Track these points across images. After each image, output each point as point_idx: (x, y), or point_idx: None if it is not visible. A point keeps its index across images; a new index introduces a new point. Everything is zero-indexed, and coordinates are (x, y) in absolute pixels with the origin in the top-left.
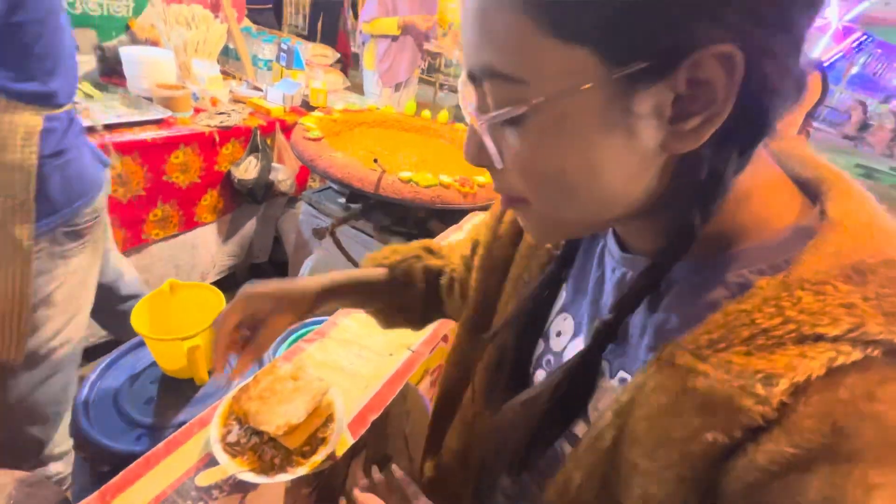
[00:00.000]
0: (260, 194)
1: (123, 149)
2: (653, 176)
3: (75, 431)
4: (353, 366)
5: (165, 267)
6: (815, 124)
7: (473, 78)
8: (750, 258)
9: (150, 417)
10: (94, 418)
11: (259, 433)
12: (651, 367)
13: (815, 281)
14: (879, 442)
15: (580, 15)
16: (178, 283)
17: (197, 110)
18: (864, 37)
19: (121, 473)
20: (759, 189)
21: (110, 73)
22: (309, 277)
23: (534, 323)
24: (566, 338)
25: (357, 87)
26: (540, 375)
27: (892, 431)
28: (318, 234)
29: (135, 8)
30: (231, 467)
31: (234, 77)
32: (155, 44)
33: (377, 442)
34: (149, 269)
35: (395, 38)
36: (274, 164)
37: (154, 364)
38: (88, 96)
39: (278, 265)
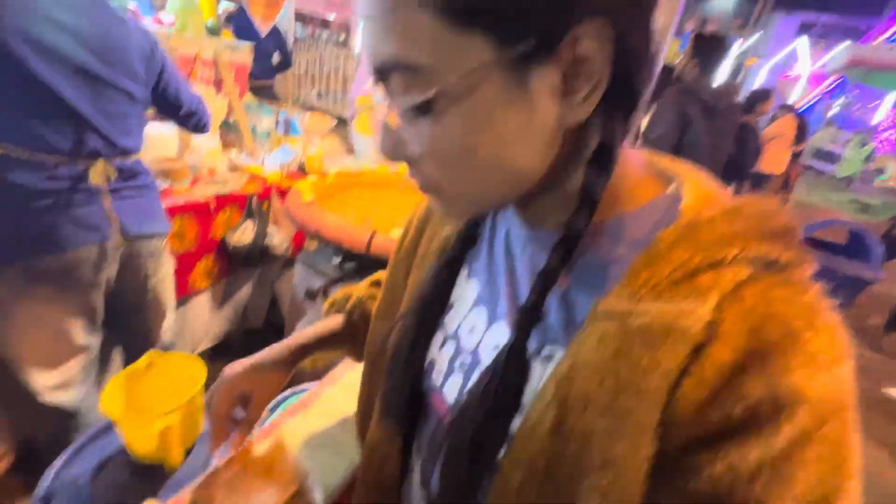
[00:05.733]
0: (255, 259)
1: None
2: (554, 148)
3: None
4: (337, 440)
5: None
6: (809, 163)
7: (380, 73)
8: (639, 220)
9: None
10: None
11: None
12: (586, 328)
13: (706, 221)
14: (784, 333)
15: (471, 3)
16: (158, 356)
17: (195, 180)
18: (840, 79)
19: None
20: (630, 167)
21: None
22: (278, 344)
23: (428, 319)
24: (480, 331)
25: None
26: (455, 381)
27: (787, 324)
28: (311, 294)
29: None
30: None
31: (233, 147)
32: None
33: None
34: None
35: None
36: (270, 229)
37: (125, 449)
38: None
39: (275, 328)
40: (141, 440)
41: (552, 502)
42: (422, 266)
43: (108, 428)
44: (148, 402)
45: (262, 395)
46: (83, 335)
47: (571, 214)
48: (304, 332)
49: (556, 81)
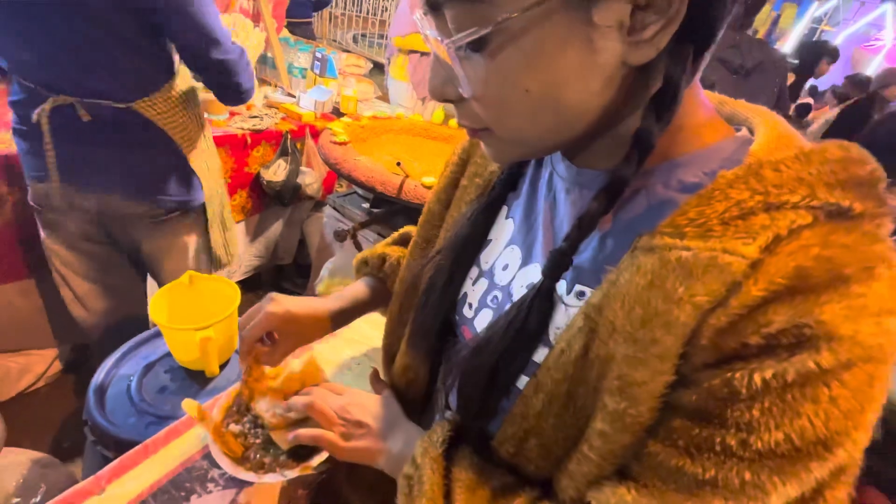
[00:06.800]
0: (287, 197)
1: None
2: (612, 89)
3: (88, 415)
4: (361, 366)
5: None
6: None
7: (434, 6)
8: (698, 164)
9: (161, 406)
10: (107, 404)
11: (261, 426)
12: (625, 260)
13: (773, 162)
14: (831, 276)
15: None
16: (197, 275)
17: (232, 114)
18: None
19: (118, 459)
20: (695, 109)
21: None
22: (321, 300)
23: (464, 256)
24: (513, 269)
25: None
26: (486, 315)
27: (838, 268)
28: (340, 236)
29: None
30: (222, 461)
31: (269, 84)
32: None
33: None
34: None
35: (424, 54)
36: (302, 168)
37: (169, 355)
38: None
39: (302, 267)
40: (183, 348)
41: (569, 423)
42: (462, 200)
43: (154, 336)
44: (189, 315)
45: (289, 342)
46: (80, 260)
47: (621, 159)
48: (343, 297)
49: (624, 17)
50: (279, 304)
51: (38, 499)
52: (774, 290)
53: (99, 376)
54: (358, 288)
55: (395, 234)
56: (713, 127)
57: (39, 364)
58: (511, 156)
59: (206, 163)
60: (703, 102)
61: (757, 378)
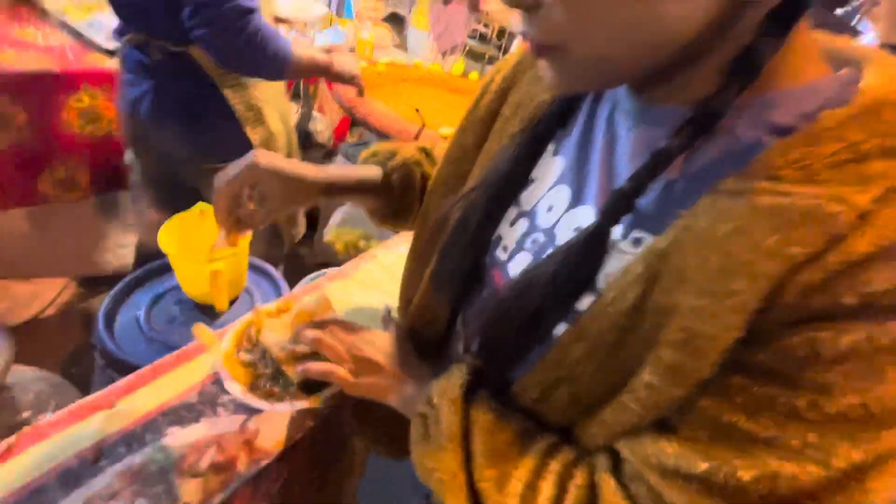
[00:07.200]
0: (298, 142)
1: None
2: (719, 5)
3: (97, 340)
4: (372, 309)
5: None
6: None
7: None
8: (794, 101)
9: (170, 336)
10: (116, 330)
11: (271, 357)
12: (702, 204)
13: (894, 101)
14: None
15: None
16: (209, 208)
17: None
18: None
19: (128, 377)
20: (795, 39)
21: None
22: (314, 167)
23: (503, 194)
24: (559, 210)
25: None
26: (523, 258)
27: None
28: None
29: None
30: (233, 387)
31: (283, 23)
32: None
33: None
34: None
35: (446, 1)
36: (314, 114)
37: (178, 287)
38: None
39: (310, 217)
40: (193, 281)
41: (609, 373)
42: (502, 134)
43: (162, 267)
44: (200, 247)
45: (274, 203)
46: (151, 192)
47: (718, 88)
48: (339, 170)
49: None
50: (266, 156)
51: (49, 414)
52: (882, 245)
53: (108, 304)
54: (365, 169)
55: (413, 142)
56: (813, 63)
57: (49, 291)
58: (580, 82)
59: (263, 134)
60: (806, 34)
61: (846, 340)
